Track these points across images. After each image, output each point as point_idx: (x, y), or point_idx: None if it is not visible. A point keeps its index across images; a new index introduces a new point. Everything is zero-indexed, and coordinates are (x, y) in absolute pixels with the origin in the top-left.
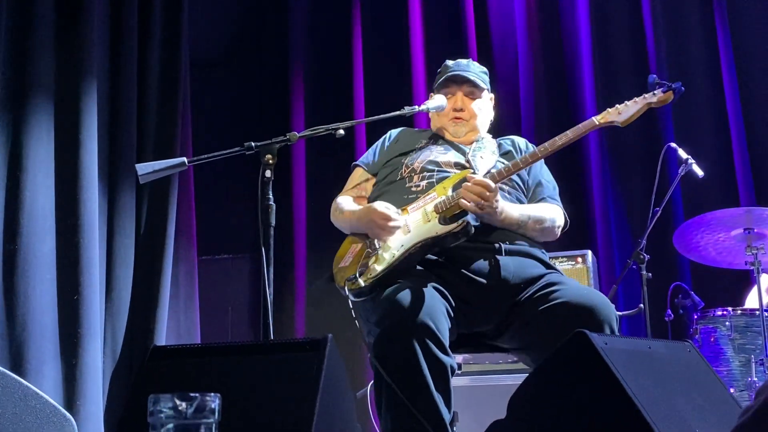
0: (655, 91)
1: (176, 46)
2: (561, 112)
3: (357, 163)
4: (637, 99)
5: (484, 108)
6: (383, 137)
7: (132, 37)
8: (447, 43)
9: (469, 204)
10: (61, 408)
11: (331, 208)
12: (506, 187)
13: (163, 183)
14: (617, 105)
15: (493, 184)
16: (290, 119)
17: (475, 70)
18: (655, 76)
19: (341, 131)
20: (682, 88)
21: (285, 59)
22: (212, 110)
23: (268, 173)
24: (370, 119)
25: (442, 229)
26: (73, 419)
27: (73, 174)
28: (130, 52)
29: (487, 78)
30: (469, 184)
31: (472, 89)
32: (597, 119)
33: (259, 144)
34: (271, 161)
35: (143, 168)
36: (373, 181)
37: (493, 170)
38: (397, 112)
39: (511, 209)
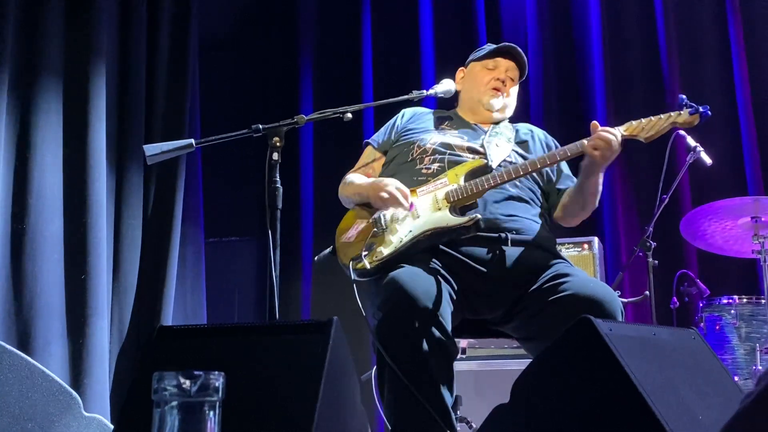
0: (682, 112)
1: (185, 27)
2: (570, 100)
3: (368, 141)
4: (662, 116)
5: (515, 94)
6: (396, 116)
7: (141, 19)
8: (457, 28)
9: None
10: (67, 386)
11: (339, 185)
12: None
13: (170, 164)
14: (642, 119)
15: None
16: (298, 102)
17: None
18: (684, 97)
19: (349, 114)
20: (709, 113)
21: (294, 42)
22: (221, 92)
23: (275, 156)
24: (378, 103)
25: (453, 221)
26: (79, 397)
27: (81, 154)
28: (139, 34)
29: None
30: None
31: (515, 70)
32: (622, 131)
33: (266, 126)
34: (278, 144)
35: (151, 149)
36: (383, 160)
37: (510, 167)
38: (405, 96)
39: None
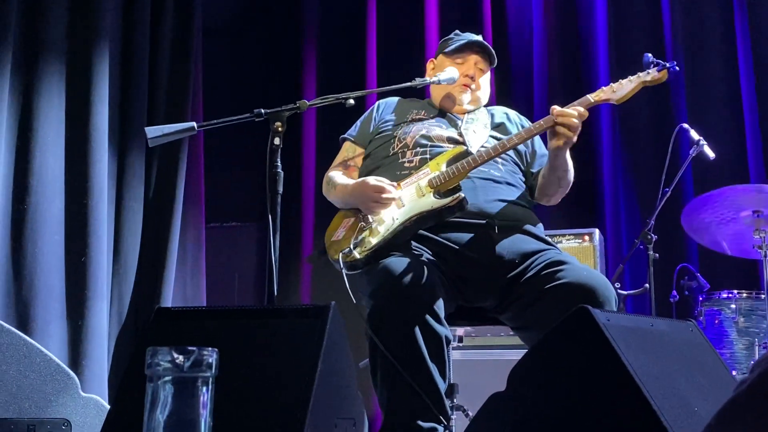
0: (650, 70)
1: (189, 11)
2: (574, 87)
3: (345, 136)
4: (631, 77)
5: (486, 83)
6: (371, 108)
7: (145, 2)
8: (461, 14)
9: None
10: (65, 366)
11: (322, 182)
12: (500, 159)
13: (172, 148)
14: (611, 83)
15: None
16: (301, 88)
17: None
18: (649, 55)
19: (351, 101)
20: (676, 67)
21: (298, 27)
22: (223, 76)
23: (276, 141)
24: (381, 89)
25: (438, 202)
26: (76, 378)
27: (84, 136)
28: (143, 17)
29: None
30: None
31: (484, 61)
32: (592, 97)
33: (268, 111)
34: (280, 129)
35: (153, 131)
36: (363, 154)
37: (488, 145)
38: (408, 84)
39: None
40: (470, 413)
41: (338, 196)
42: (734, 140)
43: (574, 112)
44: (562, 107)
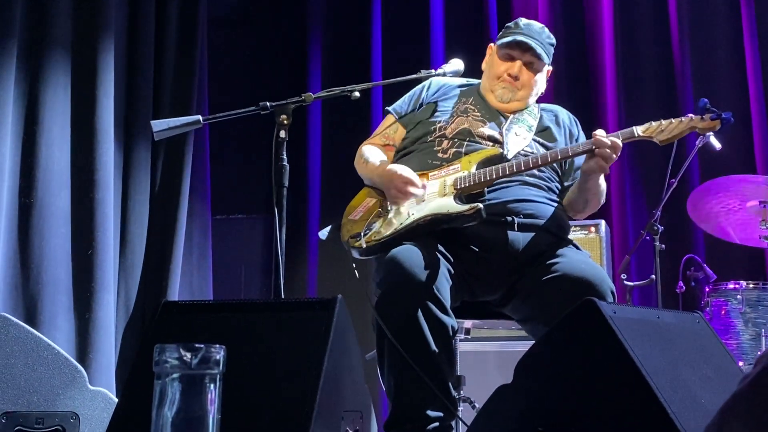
0: (704, 116)
1: (194, 3)
2: (580, 84)
3: (390, 110)
4: (683, 119)
5: (539, 82)
6: (422, 85)
7: None
8: (467, 8)
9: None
10: (72, 359)
11: (356, 153)
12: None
13: (178, 141)
14: (662, 120)
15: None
16: (307, 80)
17: (544, 41)
18: (706, 100)
19: (357, 93)
20: (732, 119)
21: (303, 19)
22: (229, 69)
23: (282, 133)
24: (385, 82)
25: (455, 208)
26: (84, 371)
27: (89, 129)
28: (148, 9)
29: (552, 50)
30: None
31: (533, 60)
32: (639, 131)
33: (274, 104)
34: (285, 121)
35: (158, 125)
36: (403, 133)
37: (521, 160)
38: (414, 76)
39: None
40: (477, 405)
41: (367, 173)
42: (741, 131)
43: (608, 143)
44: (606, 134)
